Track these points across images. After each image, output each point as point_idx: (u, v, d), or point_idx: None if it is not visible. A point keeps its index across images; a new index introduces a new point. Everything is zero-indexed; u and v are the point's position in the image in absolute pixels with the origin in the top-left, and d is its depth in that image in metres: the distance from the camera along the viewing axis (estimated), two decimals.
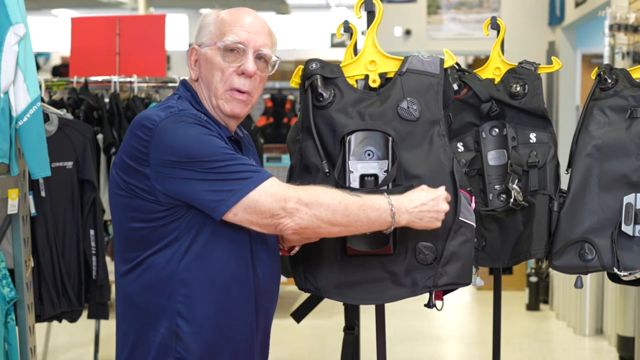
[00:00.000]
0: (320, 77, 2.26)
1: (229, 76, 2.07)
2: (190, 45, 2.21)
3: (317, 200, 1.98)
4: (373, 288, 2.25)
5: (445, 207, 2.10)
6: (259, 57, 2.10)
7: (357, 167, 2.22)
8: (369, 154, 2.23)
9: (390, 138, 2.21)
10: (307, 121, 2.26)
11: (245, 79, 2.08)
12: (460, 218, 2.19)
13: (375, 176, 2.22)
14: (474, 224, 2.22)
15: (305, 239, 2.18)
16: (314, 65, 2.28)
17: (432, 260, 2.20)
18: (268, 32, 2.12)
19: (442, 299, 2.25)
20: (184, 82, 2.16)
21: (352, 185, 2.20)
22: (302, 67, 2.32)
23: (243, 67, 2.07)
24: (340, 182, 2.20)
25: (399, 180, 2.20)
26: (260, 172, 2.00)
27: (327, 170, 2.22)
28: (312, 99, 2.26)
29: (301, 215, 1.97)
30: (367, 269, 2.24)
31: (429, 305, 2.25)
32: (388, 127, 2.22)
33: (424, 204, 2.07)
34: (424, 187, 2.12)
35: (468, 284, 2.24)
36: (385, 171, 2.21)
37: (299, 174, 2.28)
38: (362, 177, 2.22)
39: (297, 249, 2.25)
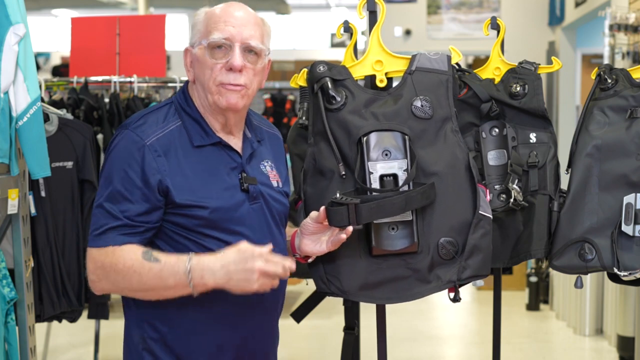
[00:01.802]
0: (330, 79, 2.25)
1: (218, 72, 2.03)
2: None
3: (115, 270, 1.94)
4: (398, 287, 2.27)
5: (258, 264, 1.88)
6: (248, 50, 2.04)
7: (377, 168, 2.23)
8: (386, 154, 2.24)
9: (407, 137, 2.23)
10: (320, 125, 2.25)
11: (235, 73, 2.03)
12: (480, 212, 2.24)
13: (395, 176, 2.23)
14: (491, 216, 2.28)
15: (320, 250, 2.17)
16: (321, 68, 2.27)
17: (454, 254, 2.25)
18: (255, 23, 2.06)
19: (458, 291, 2.30)
20: (184, 86, 2.15)
21: (373, 186, 2.21)
22: (306, 69, 2.31)
23: (230, 62, 2.02)
24: (361, 183, 2.20)
25: (417, 178, 2.23)
26: (103, 234, 1.97)
27: (343, 173, 2.23)
28: (324, 102, 2.25)
29: (102, 285, 1.98)
30: (391, 268, 2.26)
31: (456, 299, 2.28)
32: (404, 126, 2.24)
33: (231, 263, 1.89)
34: (242, 244, 1.92)
35: (487, 275, 2.32)
36: (404, 170, 2.23)
37: (312, 178, 2.28)
38: (382, 177, 2.23)
39: (314, 256, 2.23)
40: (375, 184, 2.22)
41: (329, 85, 2.24)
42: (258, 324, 2.12)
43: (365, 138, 2.22)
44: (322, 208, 2.11)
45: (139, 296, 1.99)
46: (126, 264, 1.93)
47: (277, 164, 2.20)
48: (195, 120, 2.07)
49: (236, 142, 2.12)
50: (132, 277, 1.93)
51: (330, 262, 2.24)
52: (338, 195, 2.13)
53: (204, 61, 2.04)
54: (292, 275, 2.64)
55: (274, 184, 2.16)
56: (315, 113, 2.27)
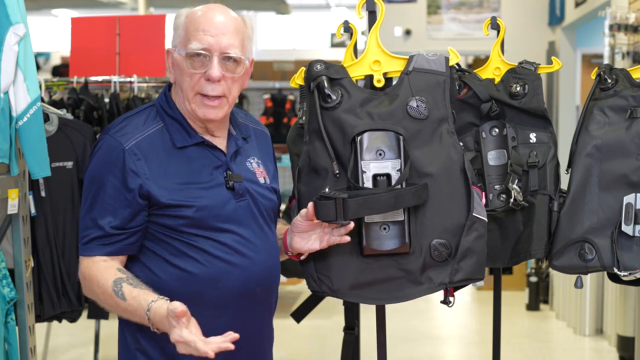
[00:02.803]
0: (326, 78, 2.26)
1: (197, 82, 2.03)
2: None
3: (93, 285, 2.01)
4: (389, 287, 2.26)
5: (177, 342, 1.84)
6: (227, 58, 2.04)
7: (370, 167, 2.23)
8: (380, 154, 2.23)
9: (401, 137, 2.22)
10: (315, 123, 2.25)
11: (213, 83, 2.03)
12: (473, 214, 2.23)
13: (388, 175, 2.23)
14: (486, 219, 2.26)
15: (311, 247, 2.17)
16: (318, 67, 2.27)
17: (447, 256, 2.23)
18: (235, 29, 2.04)
19: (453, 295, 2.28)
20: (165, 88, 2.15)
21: (365, 185, 2.21)
22: (304, 68, 2.31)
23: (208, 73, 2.02)
24: (353, 183, 2.20)
25: (411, 179, 2.22)
26: (87, 244, 2.03)
27: (337, 172, 2.23)
28: (319, 101, 2.25)
29: (86, 292, 2.06)
30: (382, 269, 2.25)
31: (446, 301, 2.27)
32: (399, 126, 2.23)
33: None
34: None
35: (481, 279, 2.28)
36: (398, 170, 2.22)
37: (306, 177, 2.28)
38: (375, 176, 2.23)
39: (306, 254, 2.23)
40: (368, 184, 2.21)
41: (325, 83, 2.24)
42: (251, 321, 2.12)
43: (359, 137, 2.22)
44: (310, 203, 2.11)
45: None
46: (99, 287, 1.99)
47: (264, 161, 2.21)
48: (177, 121, 2.08)
49: (220, 141, 2.12)
50: (105, 300, 2.00)
51: (322, 260, 2.25)
52: (327, 190, 2.14)
53: (183, 68, 2.05)
54: (292, 275, 2.65)
55: (261, 180, 2.16)
56: (310, 111, 2.27)
